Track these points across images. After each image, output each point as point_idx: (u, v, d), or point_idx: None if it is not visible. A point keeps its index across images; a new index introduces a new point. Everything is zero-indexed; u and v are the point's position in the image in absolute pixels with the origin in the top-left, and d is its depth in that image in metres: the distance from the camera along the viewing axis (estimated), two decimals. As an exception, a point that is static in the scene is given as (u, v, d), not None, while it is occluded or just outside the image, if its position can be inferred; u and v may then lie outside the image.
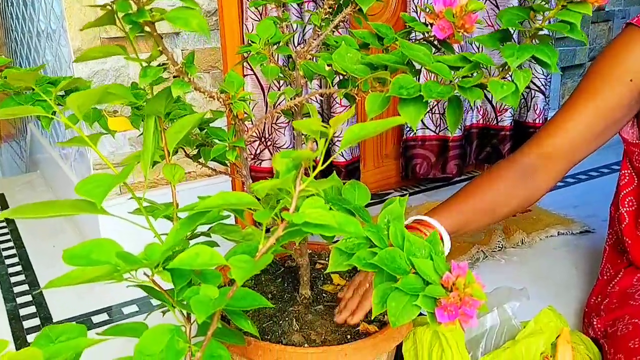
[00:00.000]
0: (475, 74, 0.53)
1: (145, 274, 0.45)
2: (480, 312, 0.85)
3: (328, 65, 0.63)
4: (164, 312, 0.62)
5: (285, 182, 0.40)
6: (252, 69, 1.41)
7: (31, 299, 1.20)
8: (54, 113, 0.61)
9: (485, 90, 0.55)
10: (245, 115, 0.69)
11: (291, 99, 0.64)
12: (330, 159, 0.45)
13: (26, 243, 1.47)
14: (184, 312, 0.51)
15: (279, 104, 1.27)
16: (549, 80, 1.78)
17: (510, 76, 0.53)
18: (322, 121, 0.41)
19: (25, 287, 1.25)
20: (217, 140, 0.72)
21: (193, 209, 0.41)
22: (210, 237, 0.61)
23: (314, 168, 0.41)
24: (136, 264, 0.42)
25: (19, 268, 1.34)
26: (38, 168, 2.06)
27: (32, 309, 1.16)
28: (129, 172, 0.46)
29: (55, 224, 1.56)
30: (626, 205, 0.95)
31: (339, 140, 1.53)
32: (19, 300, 1.20)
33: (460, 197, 0.92)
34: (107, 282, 0.45)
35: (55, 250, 1.42)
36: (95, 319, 1.13)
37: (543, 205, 1.66)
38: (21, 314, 1.15)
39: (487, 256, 1.36)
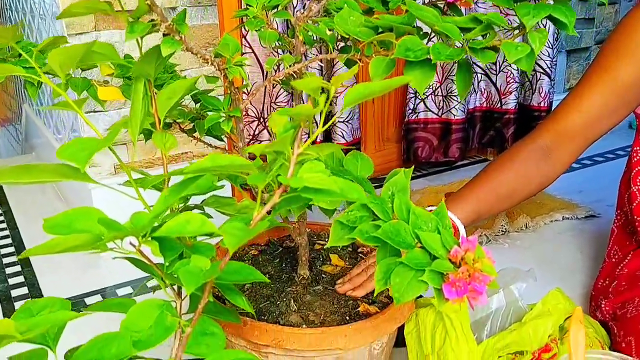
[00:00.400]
0: (487, 36, 0.50)
1: (131, 244, 0.42)
2: (490, 290, 0.82)
3: (329, 30, 0.59)
4: (154, 289, 0.59)
5: (283, 142, 0.36)
6: (250, 47, 1.37)
7: (23, 279, 1.18)
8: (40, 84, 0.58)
9: (489, 72, 0.52)
10: (243, 84, 0.66)
11: (290, 66, 0.61)
12: (332, 120, 0.41)
13: (19, 224, 1.44)
14: (175, 287, 0.48)
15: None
16: (554, 62, 1.74)
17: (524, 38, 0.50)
18: (322, 91, 0.38)
19: (18, 268, 1.22)
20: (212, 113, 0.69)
21: (182, 173, 0.37)
22: (204, 210, 0.58)
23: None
24: (120, 232, 0.39)
25: (11, 249, 1.31)
26: (33, 150, 2.03)
27: (24, 290, 1.14)
28: (115, 135, 0.43)
29: (49, 206, 1.53)
30: (638, 183, 0.92)
31: (339, 121, 1.49)
32: (11, 281, 1.17)
33: (476, 185, 0.92)
34: (91, 252, 0.42)
35: (49, 231, 1.38)
36: (89, 300, 1.11)
37: (547, 190, 1.62)
38: (13, 295, 1.12)
39: (490, 240, 1.33)
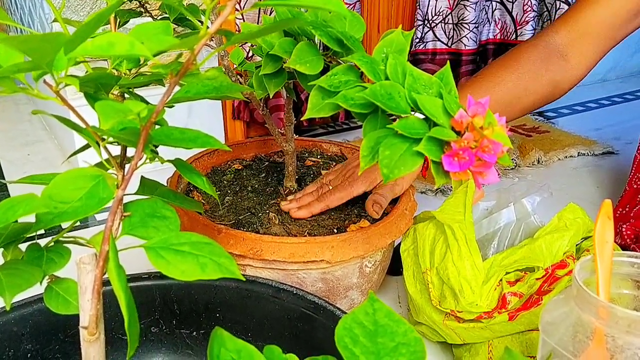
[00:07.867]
0: None
1: (46, 83, 0.33)
2: (499, 203, 0.73)
3: None
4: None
5: None
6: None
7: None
8: None
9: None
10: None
11: None
12: None
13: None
14: (116, 159, 0.39)
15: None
16: (576, -9, 1.60)
17: None
18: None
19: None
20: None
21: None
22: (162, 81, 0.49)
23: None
24: (25, 66, 0.30)
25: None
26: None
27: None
28: None
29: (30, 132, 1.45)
30: None
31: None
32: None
33: (467, 88, 0.80)
34: (-4, 93, 0.33)
35: (30, 157, 1.31)
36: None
37: (562, 127, 1.53)
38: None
39: (499, 174, 1.23)
